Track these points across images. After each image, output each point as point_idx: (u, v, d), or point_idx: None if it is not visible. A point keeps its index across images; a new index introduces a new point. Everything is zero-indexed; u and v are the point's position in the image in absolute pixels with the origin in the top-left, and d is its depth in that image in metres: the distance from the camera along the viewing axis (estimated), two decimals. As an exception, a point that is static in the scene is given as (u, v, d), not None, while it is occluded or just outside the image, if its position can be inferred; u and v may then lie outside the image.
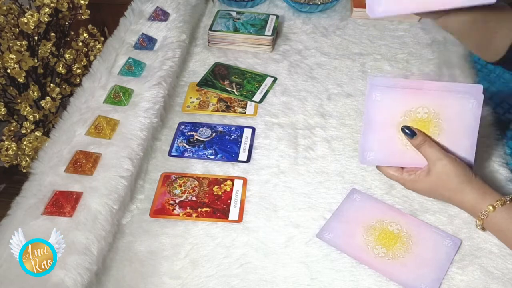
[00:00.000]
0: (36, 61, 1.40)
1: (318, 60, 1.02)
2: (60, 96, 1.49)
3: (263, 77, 0.97)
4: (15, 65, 1.32)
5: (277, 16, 1.08)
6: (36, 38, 1.41)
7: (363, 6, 1.12)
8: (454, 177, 0.65)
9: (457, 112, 0.66)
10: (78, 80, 1.56)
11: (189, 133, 0.85)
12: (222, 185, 0.76)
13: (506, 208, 0.62)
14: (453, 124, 0.66)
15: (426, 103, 0.66)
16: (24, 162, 1.42)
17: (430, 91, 0.66)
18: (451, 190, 0.65)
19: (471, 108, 0.66)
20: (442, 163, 0.65)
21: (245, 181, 0.77)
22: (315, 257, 0.67)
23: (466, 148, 0.67)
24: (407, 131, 0.66)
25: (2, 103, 1.38)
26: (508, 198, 0.63)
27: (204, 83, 0.96)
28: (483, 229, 0.66)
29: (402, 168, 0.69)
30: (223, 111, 0.90)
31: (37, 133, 1.41)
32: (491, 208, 0.63)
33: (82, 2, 1.47)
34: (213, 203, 0.73)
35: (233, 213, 0.72)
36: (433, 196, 0.70)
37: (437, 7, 0.61)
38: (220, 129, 0.86)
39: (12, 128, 1.43)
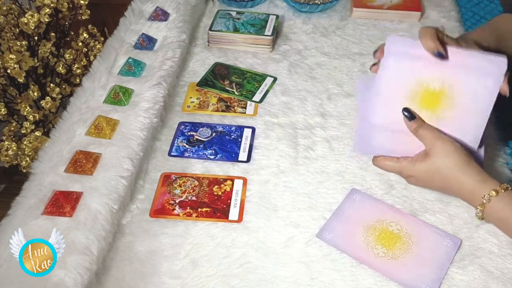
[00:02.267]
0: (36, 61, 1.40)
1: (318, 60, 1.02)
2: (60, 96, 1.49)
3: (263, 77, 0.97)
4: (15, 65, 1.32)
5: (277, 16, 1.08)
6: (36, 38, 1.42)
7: (363, 6, 1.13)
8: (453, 156, 0.63)
9: (472, 90, 0.64)
10: (78, 80, 1.56)
11: (189, 133, 0.85)
12: (222, 185, 0.76)
13: (508, 194, 0.60)
14: (466, 99, 0.64)
15: (442, 75, 0.64)
16: (24, 162, 1.42)
17: (446, 63, 0.63)
18: (451, 172, 0.63)
19: (488, 87, 0.63)
20: (440, 142, 0.63)
21: (245, 181, 0.77)
22: (315, 257, 0.67)
23: (474, 126, 0.65)
24: (406, 113, 0.65)
25: (2, 103, 1.38)
26: (509, 185, 0.61)
27: (204, 83, 0.96)
28: (482, 218, 0.63)
29: (397, 157, 0.68)
30: (223, 111, 0.90)
31: (37, 133, 1.41)
32: (494, 193, 0.61)
33: (82, 2, 1.48)
34: (213, 203, 0.73)
35: (233, 213, 0.72)
36: (431, 182, 0.67)
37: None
38: (220, 129, 0.86)
39: (12, 128, 1.43)
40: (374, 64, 0.69)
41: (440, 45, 0.63)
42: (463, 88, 0.64)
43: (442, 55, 0.62)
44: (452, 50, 0.64)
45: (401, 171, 0.68)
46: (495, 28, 0.77)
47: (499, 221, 0.63)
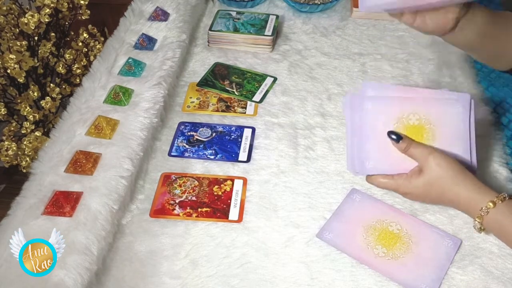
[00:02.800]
0: (36, 61, 1.40)
1: (318, 60, 1.02)
2: (60, 96, 1.49)
3: (263, 77, 0.97)
4: (15, 65, 1.32)
5: (277, 16, 1.08)
6: (36, 38, 1.41)
7: (363, 6, 1.13)
8: (447, 169, 0.63)
9: (446, 118, 0.67)
10: (78, 80, 1.56)
11: (189, 133, 0.85)
12: (222, 185, 0.76)
13: (506, 204, 0.61)
14: (444, 130, 0.67)
15: (416, 109, 0.67)
16: (24, 162, 1.42)
17: (417, 98, 0.68)
18: (447, 185, 0.63)
19: (458, 113, 0.67)
20: (432, 156, 0.64)
21: (245, 181, 0.77)
22: (315, 257, 0.67)
23: (461, 152, 0.67)
24: (393, 136, 0.66)
25: (2, 103, 1.38)
26: (506, 195, 0.61)
27: (204, 83, 0.96)
28: (481, 229, 0.63)
29: (392, 175, 0.68)
30: (223, 111, 0.90)
31: (37, 133, 1.41)
32: (491, 204, 0.61)
33: (82, 2, 1.48)
34: (213, 203, 0.73)
35: (233, 213, 0.72)
36: (428, 197, 0.67)
37: (425, 4, 0.61)
38: (220, 129, 0.86)
39: (12, 128, 1.43)
40: None
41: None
42: (438, 117, 0.67)
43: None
44: (420, 91, 0.69)
45: (397, 189, 0.68)
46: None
47: (498, 232, 0.63)
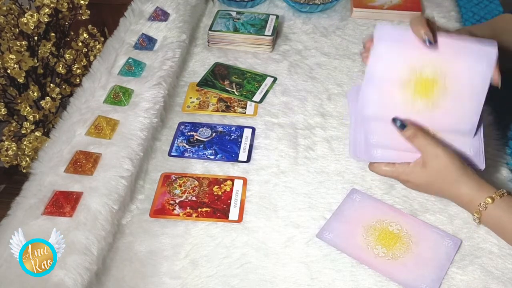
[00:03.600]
0: (36, 61, 1.40)
1: (318, 60, 1.02)
2: (60, 96, 1.49)
3: (263, 77, 0.97)
4: (15, 65, 1.32)
5: (277, 16, 1.08)
6: (36, 38, 1.42)
7: (363, 6, 1.13)
8: (451, 168, 0.63)
9: (465, 74, 0.63)
10: (78, 80, 1.56)
11: (189, 133, 0.85)
12: (222, 185, 0.76)
13: (504, 200, 0.61)
14: (459, 86, 0.63)
15: (433, 60, 0.63)
16: (24, 162, 1.42)
17: (439, 51, 0.63)
18: (448, 181, 0.64)
19: (480, 71, 0.62)
20: (437, 154, 0.63)
21: (245, 181, 0.77)
22: (315, 257, 0.67)
23: (469, 112, 0.64)
24: (397, 123, 0.65)
25: (2, 103, 1.38)
26: (504, 191, 0.62)
27: (204, 83, 0.96)
28: (479, 223, 0.64)
29: (394, 163, 0.68)
30: (223, 111, 0.90)
31: (37, 133, 1.41)
32: (489, 200, 0.61)
33: (82, 2, 1.48)
34: (213, 203, 0.73)
35: (233, 213, 0.72)
36: (428, 189, 0.68)
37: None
38: (220, 129, 0.86)
39: (12, 128, 1.43)
40: (364, 53, 0.68)
41: (431, 33, 0.62)
42: (456, 74, 0.63)
43: (431, 43, 0.62)
44: (442, 38, 0.63)
45: (398, 177, 0.68)
46: (493, 24, 0.77)
47: (495, 227, 0.64)
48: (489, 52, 0.62)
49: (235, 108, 0.90)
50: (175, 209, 0.72)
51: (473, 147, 0.66)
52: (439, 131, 0.66)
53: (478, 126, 0.66)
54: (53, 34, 1.47)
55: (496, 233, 0.65)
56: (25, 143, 1.39)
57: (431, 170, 0.64)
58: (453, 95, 0.64)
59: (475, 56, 0.62)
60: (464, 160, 0.65)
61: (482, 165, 0.67)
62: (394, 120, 0.65)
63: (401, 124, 0.65)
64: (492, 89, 0.63)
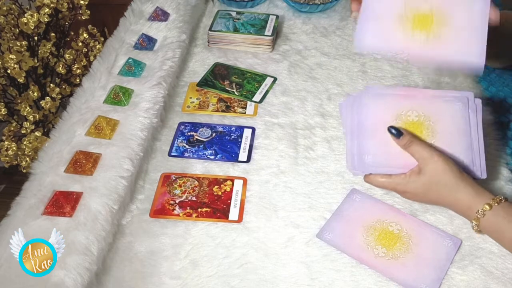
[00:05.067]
0: (36, 61, 1.40)
1: (318, 60, 1.02)
2: (60, 96, 1.49)
3: (263, 77, 0.97)
4: (15, 65, 1.32)
5: (277, 16, 1.08)
6: (36, 38, 1.42)
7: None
8: (447, 174, 0.63)
9: (446, 115, 0.67)
10: (78, 80, 1.56)
11: (189, 133, 0.85)
12: (222, 185, 0.76)
13: (502, 206, 0.61)
14: (445, 127, 0.67)
15: (415, 106, 0.67)
16: (24, 162, 1.42)
17: (417, 96, 0.67)
18: (445, 187, 0.64)
19: (458, 109, 0.66)
20: (433, 160, 0.63)
21: (245, 181, 0.77)
22: (315, 257, 0.67)
23: (462, 149, 0.66)
24: (393, 131, 0.65)
25: (2, 103, 1.38)
26: (502, 197, 0.62)
27: (204, 83, 0.96)
28: (478, 231, 0.64)
29: (390, 175, 0.67)
30: (223, 111, 0.90)
31: (37, 133, 1.41)
32: (487, 207, 0.61)
33: (82, 2, 1.48)
34: (213, 203, 0.73)
35: (233, 213, 0.72)
36: (426, 197, 0.67)
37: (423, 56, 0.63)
38: (220, 129, 0.86)
39: (12, 128, 1.43)
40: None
41: None
42: (438, 114, 0.67)
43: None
44: (421, 89, 0.71)
45: (395, 188, 0.68)
46: None
47: (494, 234, 0.64)
48: (463, 95, 0.68)
49: (235, 108, 0.90)
50: (175, 209, 0.72)
51: (466, 158, 0.67)
52: (436, 139, 0.67)
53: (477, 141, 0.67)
54: (53, 34, 1.47)
55: (494, 240, 0.65)
56: (25, 143, 1.39)
57: (428, 176, 0.64)
58: (441, 135, 0.66)
59: (450, 99, 0.68)
60: (461, 167, 0.65)
61: (481, 175, 0.67)
62: (390, 128, 0.65)
63: (397, 133, 0.65)
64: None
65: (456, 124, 0.67)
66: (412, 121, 0.67)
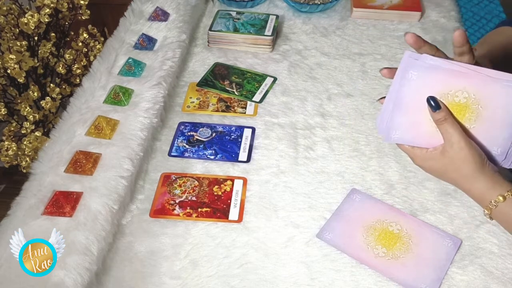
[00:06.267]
0: (36, 61, 1.40)
1: (318, 60, 1.02)
2: (60, 96, 1.49)
3: (263, 77, 0.97)
4: (15, 65, 1.32)
5: (277, 16, 1.08)
6: (36, 38, 1.41)
7: (363, 6, 1.13)
8: (468, 164, 0.62)
9: (499, 101, 0.61)
10: (78, 80, 1.56)
11: (189, 133, 0.85)
12: (222, 185, 0.76)
13: None
14: (492, 113, 0.62)
15: (467, 87, 0.61)
16: (24, 162, 1.42)
17: (475, 75, 0.61)
18: (463, 175, 0.63)
19: None
20: (459, 146, 0.61)
21: (245, 181, 0.77)
22: (315, 257, 0.67)
23: (502, 139, 0.63)
24: (432, 102, 0.61)
25: (2, 103, 1.38)
26: None
27: (204, 83, 0.96)
28: (491, 218, 0.63)
29: (413, 146, 0.65)
30: (223, 111, 0.90)
31: (37, 133, 1.41)
32: (501, 198, 0.61)
33: (82, 2, 1.48)
34: (213, 203, 0.73)
35: (233, 213, 0.72)
36: (441, 177, 0.66)
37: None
38: (220, 129, 0.86)
39: (12, 128, 1.43)
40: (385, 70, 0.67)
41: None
42: (491, 99, 0.61)
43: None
44: (480, 67, 0.61)
45: (413, 157, 0.66)
46: (487, 39, 0.78)
47: (505, 224, 0.63)
48: None
49: (235, 108, 0.90)
50: (175, 209, 0.72)
51: (501, 147, 0.65)
52: (477, 125, 0.63)
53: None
54: (53, 34, 1.47)
55: (506, 229, 0.64)
56: (25, 143, 1.39)
57: (448, 160, 0.63)
58: (484, 121, 0.62)
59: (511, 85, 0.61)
60: (486, 157, 0.64)
61: (510, 165, 0.66)
62: (429, 99, 0.61)
63: (435, 105, 0.61)
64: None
65: (507, 112, 0.61)
66: (458, 103, 0.62)
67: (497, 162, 0.65)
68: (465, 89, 0.61)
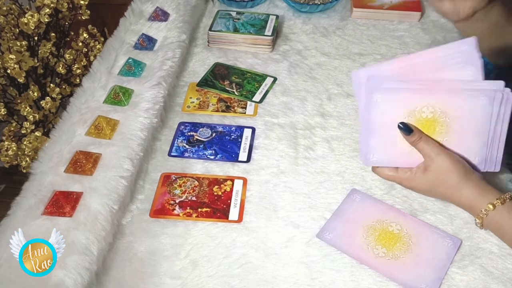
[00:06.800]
0: (36, 61, 1.40)
1: (318, 60, 1.02)
2: (60, 96, 1.49)
3: (263, 77, 0.97)
4: (15, 65, 1.32)
5: (277, 16, 1.08)
6: (36, 38, 1.42)
7: (363, 6, 1.13)
8: (452, 174, 0.63)
9: (466, 111, 0.63)
10: (78, 80, 1.56)
11: (189, 133, 0.85)
12: (222, 185, 0.76)
13: (506, 206, 0.61)
14: (462, 123, 0.63)
15: (432, 101, 0.63)
16: (24, 162, 1.42)
17: (438, 89, 0.63)
18: (450, 187, 0.64)
19: (482, 105, 0.62)
20: (440, 158, 0.63)
21: (245, 181, 0.77)
22: (315, 257, 0.67)
23: (476, 147, 0.65)
24: (402, 126, 0.64)
25: (2, 103, 1.38)
26: (507, 196, 0.62)
27: (204, 83, 0.96)
28: (482, 227, 0.65)
29: (397, 168, 0.68)
30: (223, 111, 0.90)
31: (37, 133, 1.41)
32: (491, 206, 0.62)
33: (82, 2, 1.48)
34: (213, 203, 0.73)
35: (233, 213, 0.72)
36: (431, 194, 0.68)
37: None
38: (220, 129, 0.86)
39: (12, 128, 1.43)
40: None
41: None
42: (456, 110, 0.63)
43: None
44: (440, 82, 0.63)
45: (401, 182, 0.68)
46: None
47: (498, 232, 0.64)
48: (490, 86, 0.62)
49: (235, 108, 0.90)
50: (175, 209, 0.72)
51: (479, 155, 0.66)
52: (449, 137, 0.65)
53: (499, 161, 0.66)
54: (53, 34, 1.47)
55: (498, 237, 0.65)
56: (25, 143, 1.39)
57: (432, 175, 0.64)
58: (456, 132, 0.64)
59: (475, 92, 0.62)
60: (469, 166, 0.65)
61: (495, 168, 0.66)
62: (400, 125, 0.64)
63: (407, 129, 0.64)
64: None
65: (475, 121, 0.63)
66: (425, 118, 0.64)
67: (478, 170, 0.66)
68: (430, 104, 0.63)
